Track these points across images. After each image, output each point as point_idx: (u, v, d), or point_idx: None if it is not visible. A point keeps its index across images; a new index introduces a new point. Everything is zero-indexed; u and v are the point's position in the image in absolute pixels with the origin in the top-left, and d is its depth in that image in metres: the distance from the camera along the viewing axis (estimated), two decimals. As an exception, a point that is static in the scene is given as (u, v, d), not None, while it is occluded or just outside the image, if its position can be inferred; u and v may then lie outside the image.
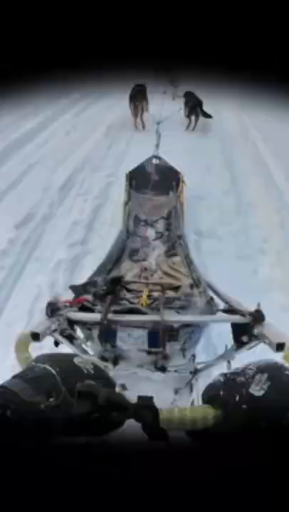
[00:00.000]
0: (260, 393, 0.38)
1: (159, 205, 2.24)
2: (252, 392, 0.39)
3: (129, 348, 0.95)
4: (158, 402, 0.43)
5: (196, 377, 1.02)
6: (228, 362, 0.86)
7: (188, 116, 4.32)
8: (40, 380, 0.37)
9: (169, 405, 0.62)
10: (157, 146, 2.80)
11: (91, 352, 0.99)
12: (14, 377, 0.39)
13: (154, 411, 0.41)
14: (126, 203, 2.35)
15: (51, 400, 0.36)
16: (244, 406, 0.39)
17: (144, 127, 4.60)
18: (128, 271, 1.46)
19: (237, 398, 0.39)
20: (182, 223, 2.07)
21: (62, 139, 4.75)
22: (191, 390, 0.99)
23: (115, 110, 5.40)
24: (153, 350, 0.90)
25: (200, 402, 0.47)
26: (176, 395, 0.98)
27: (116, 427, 0.41)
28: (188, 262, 1.49)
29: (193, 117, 4.31)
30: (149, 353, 0.92)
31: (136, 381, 0.93)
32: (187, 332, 0.95)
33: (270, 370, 0.41)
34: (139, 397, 0.43)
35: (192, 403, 0.92)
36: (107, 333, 0.90)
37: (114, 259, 1.56)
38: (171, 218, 2.08)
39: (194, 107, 4.23)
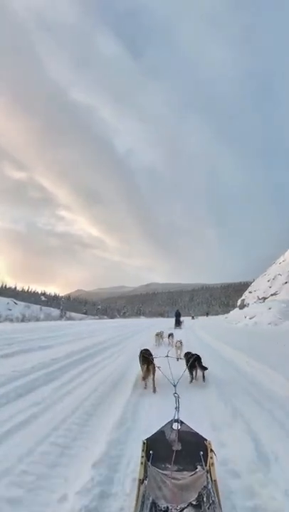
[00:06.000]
0: None
1: (185, 486, 1.76)
2: None
3: None
4: None
5: None
6: None
7: (190, 372, 5.33)
8: None
9: None
10: (177, 409, 2.46)
11: None
12: None
13: None
14: (140, 481, 1.81)
15: None
16: None
17: (154, 391, 4.57)
18: None
19: None
20: (219, 511, 1.53)
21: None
22: None
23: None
24: None
25: None
26: None
27: None
28: None
29: (193, 372, 5.37)
30: None
31: None
32: None
33: None
34: None
35: None
36: None
37: None
38: (203, 505, 1.60)
39: (193, 364, 5.34)
